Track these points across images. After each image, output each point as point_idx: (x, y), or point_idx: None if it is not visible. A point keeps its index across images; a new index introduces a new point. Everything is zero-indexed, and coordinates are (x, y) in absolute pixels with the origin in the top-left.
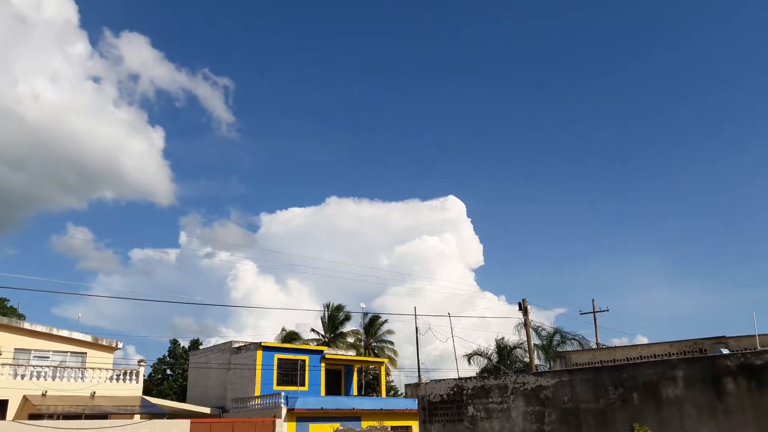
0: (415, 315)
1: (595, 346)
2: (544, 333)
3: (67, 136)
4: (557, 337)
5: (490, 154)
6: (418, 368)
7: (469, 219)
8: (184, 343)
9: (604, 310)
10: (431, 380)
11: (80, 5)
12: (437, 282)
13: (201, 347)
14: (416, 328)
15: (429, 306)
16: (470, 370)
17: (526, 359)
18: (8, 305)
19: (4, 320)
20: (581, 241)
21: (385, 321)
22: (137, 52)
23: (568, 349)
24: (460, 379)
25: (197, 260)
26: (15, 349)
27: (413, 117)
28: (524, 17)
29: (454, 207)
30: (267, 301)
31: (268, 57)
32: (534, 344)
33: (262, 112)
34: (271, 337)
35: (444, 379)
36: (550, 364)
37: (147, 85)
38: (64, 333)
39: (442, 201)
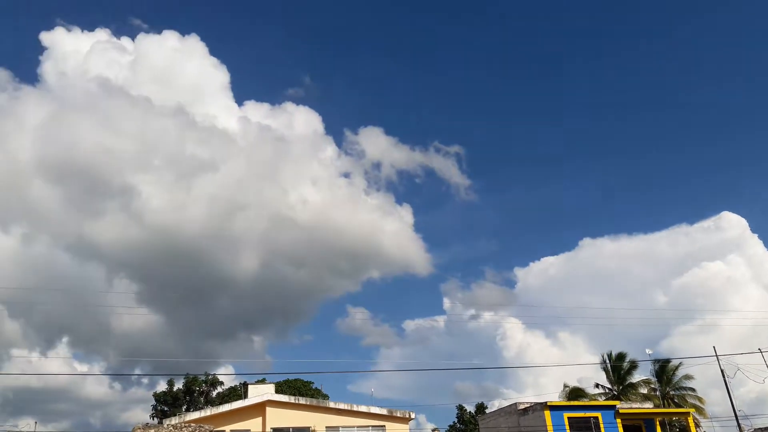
0: (717, 355)
1: None
2: None
3: (333, 229)
4: None
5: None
6: (735, 416)
7: (755, 234)
8: (470, 408)
9: None
10: (755, 429)
11: (323, 116)
12: (732, 313)
13: (487, 411)
14: (722, 371)
15: (731, 342)
16: None
17: None
18: (313, 387)
19: (314, 401)
20: None
21: (679, 365)
22: (375, 143)
23: None
24: None
25: (463, 323)
26: (326, 427)
27: (654, 138)
28: None
29: (732, 224)
30: (540, 357)
31: (492, 114)
32: None
33: (495, 168)
34: (553, 395)
35: None
36: None
37: (389, 170)
38: (363, 408)
39: (715, 220)
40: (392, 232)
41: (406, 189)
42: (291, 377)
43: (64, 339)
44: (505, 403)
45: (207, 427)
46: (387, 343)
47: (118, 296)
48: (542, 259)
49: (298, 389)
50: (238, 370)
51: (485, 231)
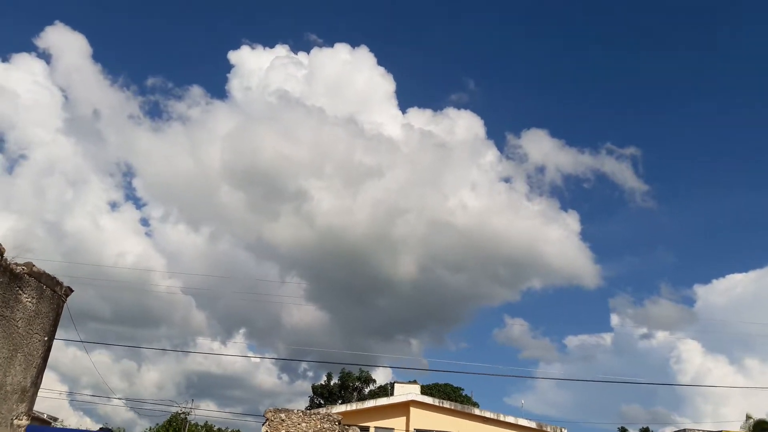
0: None
1: None
2: None
3: (492, 235)
4: None
5: None
6: None
7: None
8: None
9: None
10: None
11: (485, 119)
12: None
13: None
14: None
15: None
16: None
17: None
18: (463, 393)
19: (459, 407)
20: None
21: None
22: (539, 146)
23: None
24: None
25: (633, 343)
26: None
27: None
28: None
29: None
30: (721, 384)
31: (670, 119)
32: None
33: (675, 172)
34: (735, 426)
35: None
36: None
37: (553, 174)
38: (510, 419)
39: None
40: (556, 240)
41: (573, 194)
42: (443, 381)
43: (242, 330)
44: (675, 430)
45: (335, 417)
46: (547, 357)
47: (290, 293)
48: (728, 276)
49: (447, 394)
50: (395, 370)
51: (662, 242)
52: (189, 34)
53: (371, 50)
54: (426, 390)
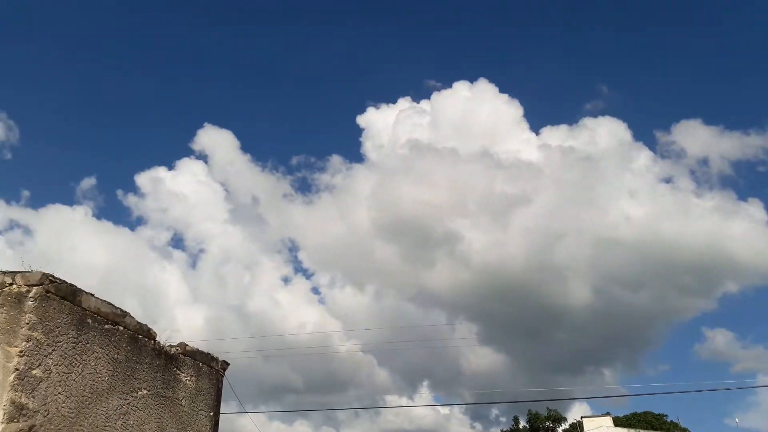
0: None
1: None
2: None
3: (666, 243)
4: None
5: None
6: None
7: None
8: None
9: None
10: None
11: (627, 121)
12: None
13: None
14: None
15: None
16: None
17: None
18: (667, 419)
19: None
20: None
21: None
22: (694, 137)
23: None
24: None
25: None
26: None
27: None
28: None
29: None
30: None
31: None
32: None
33: None
34: None
35: None
36: None
37: (720, 164)
38: None
39: None
40: (741, 235)
41: (749, 181)
42: (641, 410)
43: (425, 382)
44: None
45: None
46: (766, 368)
47: (462, 337)
48: None
49: (649, 422)
50: (592, 405)
51: None
52: (319, 109)
53: (490, 81)
54: (623, 421)
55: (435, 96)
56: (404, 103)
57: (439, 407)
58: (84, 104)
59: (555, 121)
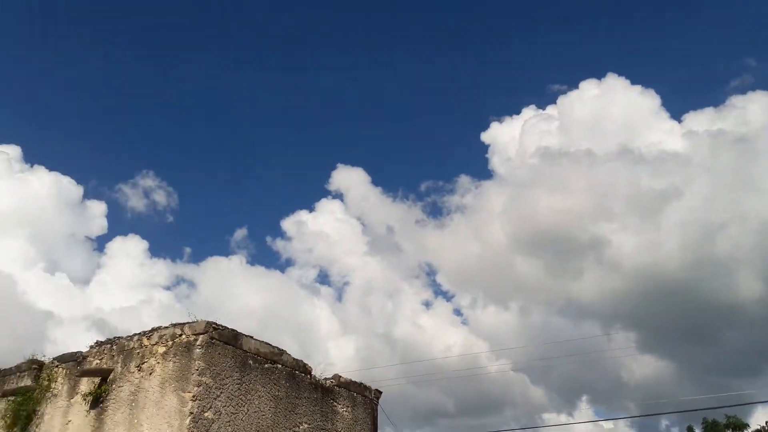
0: None
1: None
2: None
3: None
4: None
5: None
6: None
7: None
8: None
9: None
10: None
11: None
12: None
13: None
14: None
15: None
16: None
17: None
18: None
19: None
20: None
21: None
22: None
23: None
24: None
25: None
26: None
27: None
28: None
29: None
30: None
31: None
32: None
33: None
34: None
35: None
36: None
37: None
38: None
39: None
40: None
41: None
42: None
43: (584, 397)
44: None
45: None
46: None
47: (620, 348)
48: None
49: None
50: None
51: None
52: (441, 133)
53: (620, 75)
54: None
55: (561, 99)
56: (529, 112)
57: (602, 422)
58: (230, 161)
59: (698, 105)
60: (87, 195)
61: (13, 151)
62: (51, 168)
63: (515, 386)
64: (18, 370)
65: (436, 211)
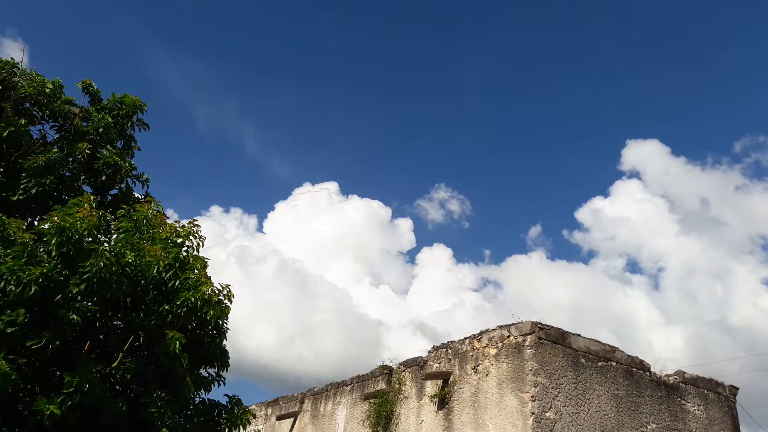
0: None
1: None
2: None
3: None
4: None
5: None
6: None
7: None
8: None
9: None
10: None
11: None
12: None
13: None
14: None
15: None
16: None
17: None
18: None
19: None
20: None
21: None
22: None
23: None
24: None
25: None
26: None
27: None
28: None
29: None
30: None
31: None
32: None
33: None
34: None
35: None
36: None
37: None
38: None
39: None
40: None
41: None
42: None
43: None
44: None
45: None
46: None
47: None
48: None
49: None
50: None
51: None
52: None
53: None
54: None
55: None
56: None
57: None
58: (511, 163)
59: None
60: (394, 214)
61: (332, 186)
62: (362, 195)
63: None
64: (372, 375)
65: (760, 172)
